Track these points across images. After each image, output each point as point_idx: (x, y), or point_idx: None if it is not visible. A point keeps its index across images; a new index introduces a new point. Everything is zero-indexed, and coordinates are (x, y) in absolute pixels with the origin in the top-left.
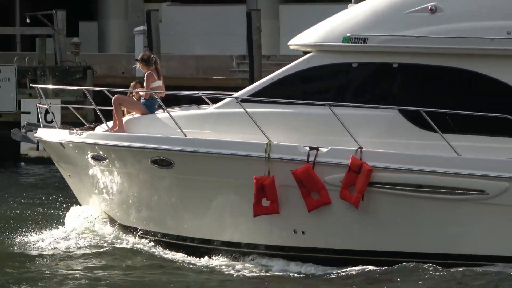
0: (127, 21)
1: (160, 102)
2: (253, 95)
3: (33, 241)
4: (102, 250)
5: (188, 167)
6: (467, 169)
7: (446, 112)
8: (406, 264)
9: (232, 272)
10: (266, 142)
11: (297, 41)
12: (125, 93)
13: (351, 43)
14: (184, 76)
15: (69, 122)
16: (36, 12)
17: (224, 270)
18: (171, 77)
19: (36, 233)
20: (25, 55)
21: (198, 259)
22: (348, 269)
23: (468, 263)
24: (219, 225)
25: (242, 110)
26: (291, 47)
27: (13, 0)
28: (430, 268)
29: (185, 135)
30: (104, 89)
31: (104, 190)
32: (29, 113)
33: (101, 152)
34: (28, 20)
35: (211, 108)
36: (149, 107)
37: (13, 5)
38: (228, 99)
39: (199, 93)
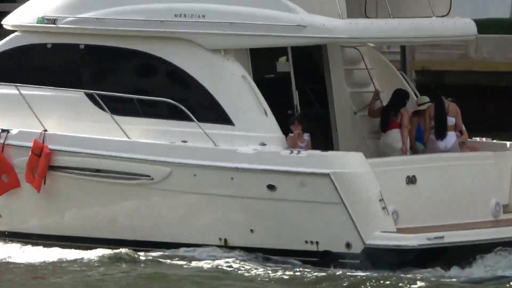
0: None
1: None
2: None
3: None
4: None
5: None
6: (135, 153)
7: (115, 95)
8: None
9: None
10: None
11: (7, 21)
12: None
13: (44, 24)
14: None
15: None
16: None
17: None
18: None
19: None
20: None
21: None
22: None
23: (139, 248)
24: None
25: None
26: (5, 26)
27: None
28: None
29: None
30: None
31: None
32: None
33: None
34: None
35: None
36: None
37: None
38: None
39: None
